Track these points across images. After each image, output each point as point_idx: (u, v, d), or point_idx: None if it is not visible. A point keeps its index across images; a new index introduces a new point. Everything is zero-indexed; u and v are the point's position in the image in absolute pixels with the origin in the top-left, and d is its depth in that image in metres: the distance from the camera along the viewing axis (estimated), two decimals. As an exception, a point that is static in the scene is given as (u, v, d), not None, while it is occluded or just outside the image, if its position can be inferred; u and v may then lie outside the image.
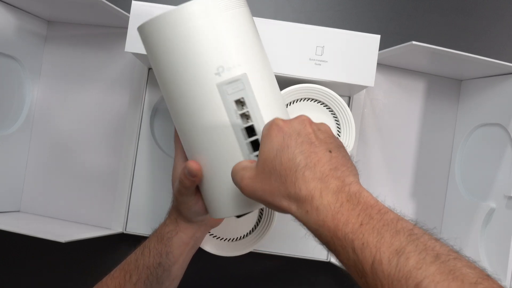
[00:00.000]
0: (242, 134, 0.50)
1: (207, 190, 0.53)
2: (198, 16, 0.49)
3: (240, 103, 0.50)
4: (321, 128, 0.46)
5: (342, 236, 0.38)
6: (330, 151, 0.43)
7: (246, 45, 0.51)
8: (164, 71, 0.51)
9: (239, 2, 0.52)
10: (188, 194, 0.54)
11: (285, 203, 0.42)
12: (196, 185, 0.53)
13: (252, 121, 0.50)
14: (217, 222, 0.62)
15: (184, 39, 0.49)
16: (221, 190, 0.52)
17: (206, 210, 0.56)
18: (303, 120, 0.45)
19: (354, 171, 0.43)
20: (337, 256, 0.40)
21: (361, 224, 0.37)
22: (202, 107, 0.50)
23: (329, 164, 0.42)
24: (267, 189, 0.43)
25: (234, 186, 0.48)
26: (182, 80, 0.50)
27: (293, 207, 0.41)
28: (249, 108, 0.50)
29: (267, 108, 0.50)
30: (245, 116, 0.50)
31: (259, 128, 0.50)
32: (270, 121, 0.45)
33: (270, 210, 0.67)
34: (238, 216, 0.53)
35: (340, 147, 0.45)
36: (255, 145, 0.50)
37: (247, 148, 0.50)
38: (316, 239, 0.41)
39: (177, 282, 0.60)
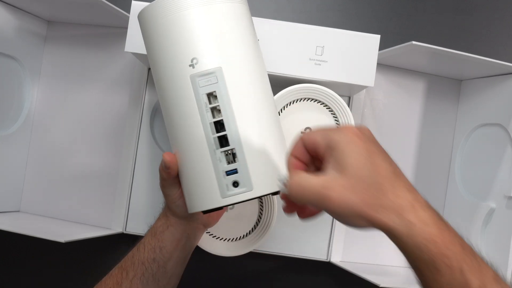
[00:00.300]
0: (210, 128, 0.49)
1: (182, 183, 0.54)
2: (180, 7, 0.49)
3: (213, 97, 0.49)
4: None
5: (451, 255, 0.35)
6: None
7: (228, 40, 0.50)
8: (151, 60, 0.53)
9: None
10: (168, 186, 0.55)
11: (383, 214, 0.37)
12: (172, 177, 0.53)
13: (222, 116, 0.49)
14: (211, 221, 0.61)
15: (164, 28, 0.50)
16: (190, 183, 0.52)
17: None
18: (363, 127, 0.42)
19: None
20: (436, 275, 0.36)
21: (462, 248, 0.36)
22: (176, 97, 0.51)
23: (403, 175, 0.40)
24: (365, 199, 0.38)
25: (202, 179, 0.49)
26: (162, 70, 0.51)
27: (393, 217, 0.37)
28: (220, 103, 0.49)
29: (242, 105, 0.50)
30: (217, 111, 0.49)
31: (228, 124, 0.49)
32: (342, 127, 0.41)
33: (269, 210, 0.67)
34: (205, 212, 0.52)
35: None
36: (223, 141, 0.49)
37: (214, 143, 0.49)
38: (409, 257, 0.37)
39: (174, 281, 0.60)
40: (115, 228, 0.76)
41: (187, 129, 0.50)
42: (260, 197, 0.56)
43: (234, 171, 0.49)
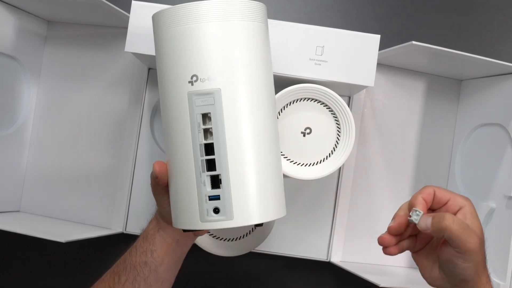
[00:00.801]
0: (199, 150, 0.48)
1: (170, 195, 0.53)
2: (193, 18, 0.47)
3: (208, 118, 0.48)
4: None
5: None
6: None
7: (233, 61, 0.48)
8: (157, 65, 0.52)
9: (252, 15, 0.49)
10: (158, 193, 0.54)
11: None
12: (161, 186, 0.53)
13: (213, 140, 0.47)
14: (198, 232, 0.60)
15: (172, 38, 0.48)
16: (175, 198, 0.51)
17: None
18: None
19: None
20: None
21: None
22: (173, 110, 0.49)
23: None
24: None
25: (185, 199, 0.49)
26: (164, 80, 0.50)
27: None
28: (213, 126, 0.47)
29: (236, 132, 0.47)
30: (210, 133, 0.48)
31: (218, 149, 0.47)
32: (476, 235, 0.49)
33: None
34: (184, 231, 0.51)
35: None
36: (210, 165, 0.47)
37: (201, 165, 0.48)
38: None
39: (166, 286, 0.60)
40: (115, 228, 0.76)
41: (178, 145, 0.49)
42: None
43: (217, 197, 0.47)
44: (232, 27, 0.48)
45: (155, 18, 0.50)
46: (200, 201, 0.48)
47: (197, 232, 0.60)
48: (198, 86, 0.47)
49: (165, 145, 0.52)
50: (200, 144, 0.48)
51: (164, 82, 0.50)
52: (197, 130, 0.48)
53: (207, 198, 0.48)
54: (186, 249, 0.61)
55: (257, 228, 0.68)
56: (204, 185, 0.48)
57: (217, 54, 0.47)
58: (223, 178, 0.47)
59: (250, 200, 0.48)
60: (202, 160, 0.48)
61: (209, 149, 0.48)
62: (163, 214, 0.57)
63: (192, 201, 0.48)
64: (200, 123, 0.48)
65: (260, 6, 0.50)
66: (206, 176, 0.48)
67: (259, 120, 0.49)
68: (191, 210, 0.49)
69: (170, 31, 0.48)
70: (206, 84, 0.47)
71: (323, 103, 0.65)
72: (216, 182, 0.48)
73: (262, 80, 0.50)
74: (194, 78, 0.47)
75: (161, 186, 0.53)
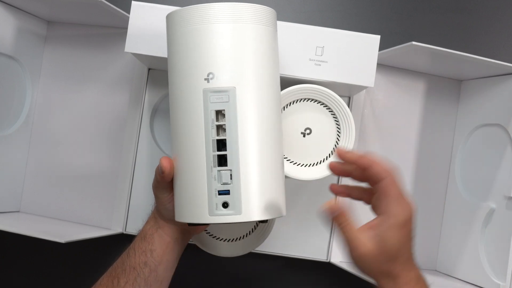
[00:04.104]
0: (212, 145, 0.50)
1: (174, 190, 0.54)
2: (209, 19, 0.49)
3: (222, 115, 0.50)
4: None
5: None
6: None
7: (248, 62, 0.50)
8: (169, 64, 0.53)
9: (263, 20, 0.51)
10: (161, 188, 0.55)
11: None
12: (166, 181, 0.54)
13: (226, 136, 0.50)
14: (197, 228, 0.61)
15: (189, 36, 0.50)
16: (181, 193, 0.52)
17: None
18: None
19: None
20: None
21: None
22: (185, 107, 0.51)
23: None
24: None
25: (194, 193, 0.50)
26: (177, 77, 0.52)
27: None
28: (226, 122, 0.49)
29: (248, 129, 0.50)
30: (222, 130, 0.50)
31: (231, 145, 0.49)
32: (409, 204, 0.48)
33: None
34: (190, 225, 0.53)
35: None
36: (222, 160, 0.50)
37: (212, 160, 0.50)
38: None
39: (165, 285, 0.60)
40: (115, 228, 0.76)
41: (189, 141, 0.51)
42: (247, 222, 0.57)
43: (226, 192, 0.50)
44: (251, 30, 0.50)
45: (172, 16, 0.52)
46: (209, 195, 0.50)
47: (196, 229, 0.61)
48: (214, 84, 0.49)
49: (173, 141, 0.53)
50: (213, 140, 0.50)
51: (178, 78, 0.52)
52: (210, 126, 0.50)
53: (217, 192, 0.50)
54: (182, 247, 0.61)
55: (257, 228, 0.68)
56: (215, 179, 0.50)
57: (234, 54, 0.50)
58: (233, 173, 0.49)
59: (258, 196, 0.50)
60: (214, 156, 0.50)
61: (220, 144, 0.50)
62: (162, 211, 0.58)
63: (201, 195, 0.50)
64: (213, 119, 0.50)
65: (274, 13, 0.54)
66: (217, 171, 0.50)
67: (269, 119, 0.52)
68: (200, 204, 0.50)
69: (188, 29, 0.50)
70: (222, 82, 0.49)
71: (323, 104, 0.65)
72: (226, 177, 0.50)
73: (273, 82, 0.53)
74: (211, 76, 0.49)
75: (165, 182, 0.54)
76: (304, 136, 0.65)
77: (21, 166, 0.80)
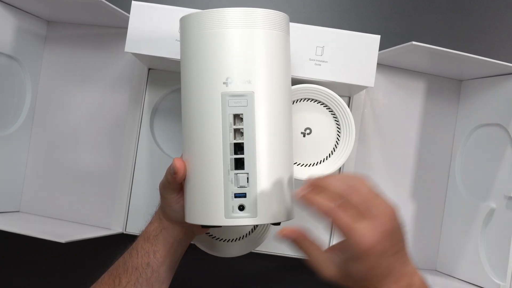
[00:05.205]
0: (229, 149, 0.50)
1: (186, 191, 0.54)
2: (226, 23, 0.50)
3: (239, 119, 0.50)
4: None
5: None
6: None
7: (265, 67, 0.51)
8: (184, 68, 0.53)
9: (279, 26, 0.52)
10: (170, 189, 0.55)
11: None
12: (177, 182, 0.54)
13: (243, 139, 0.50)
14: (201, 230, 0.61)
15: (206, 40, 0.51)
16: (196, 195, 0.53)
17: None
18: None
19: None
20: None
21: None
22: (202, 111, 0.51)
23: None
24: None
25: (209, 195, 0.50)
26: (194, 81, 0.52)
27: None
28: (244, 126, 0.50)
29: (265, 133, 0.51)
30: (240, 133, 0.50)
31: (248, 149, 0.50)
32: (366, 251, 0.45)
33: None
34: (203, 227, 0.53)
35: None
36: (238, 164, 0.50)
37: (230, 164, 0.50)
38: None
39: (165, 286, 0.60)
40: (115, 228, 0.76)
41: (206, 144, 0.51)
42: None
43: (243, 195, 0.50)
44: (270, 36, 0.51)
45: (188, 20, 0.52)
46: (226, 198, 0.50)
47: (199, 231, 0.61)
48: (232, 88, 0.50)
49: (186, 143, 0.54)
50: (230, 143, 0.50)
51: (194, 82, 0.52)
52: (228, 129, 0.50)
53: (233, 195, 0.50)
54: (184, 249, 0.61)
55: (257, 228, 0.68)
56: (232, 182, 0.50)
57: (252, 59, 0.50)
58: (250, 177, 0.50)
59: (273, 199, 0.51)
60: (231, 159, 0.50)
61: (237, 148, 0.50)
62: (167, 212, 0.57)
63: (218, 198, 0.51)
64: (231, 123, 0.50)
65: (287, 18, 0.55)
66: (234, 174, 0.50)
67: (283, 123, 0.53)
68: (216, 207, 0.51)
69: (207, 33, 0.51)
70: (241, 86, 0.50)
71: (323, 103, 0.65)
72: (243, 180, 0.50)
73: (286, 86, 0.54)
74: (230, 80, 0.50)
75: (176, 183, 0.54)
76: (304, 136, 0.65)
77: (21, 166, 0.80)
